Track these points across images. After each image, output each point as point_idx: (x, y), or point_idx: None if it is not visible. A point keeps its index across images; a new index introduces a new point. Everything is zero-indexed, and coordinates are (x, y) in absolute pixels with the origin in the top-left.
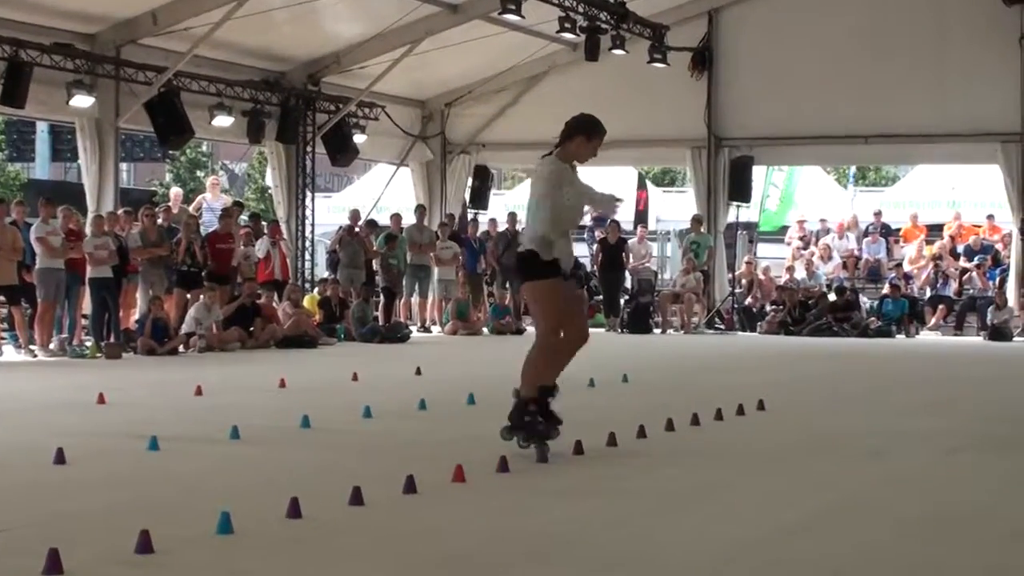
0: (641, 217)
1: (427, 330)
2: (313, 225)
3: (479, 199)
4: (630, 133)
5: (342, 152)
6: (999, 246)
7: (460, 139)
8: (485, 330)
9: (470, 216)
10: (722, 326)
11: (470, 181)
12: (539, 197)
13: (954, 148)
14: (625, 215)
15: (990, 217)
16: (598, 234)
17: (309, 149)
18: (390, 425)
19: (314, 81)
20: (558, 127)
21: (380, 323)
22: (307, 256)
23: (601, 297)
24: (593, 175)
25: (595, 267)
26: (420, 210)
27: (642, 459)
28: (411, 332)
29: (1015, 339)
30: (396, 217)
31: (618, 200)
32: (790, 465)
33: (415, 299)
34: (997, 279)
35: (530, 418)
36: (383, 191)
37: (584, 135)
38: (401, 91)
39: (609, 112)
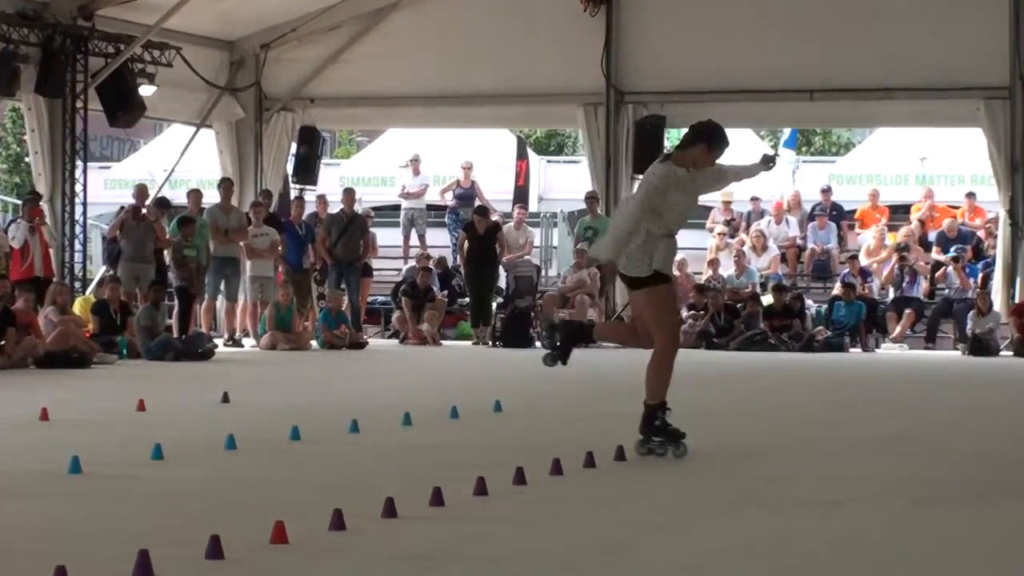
0: (520, 195)
1: (237, 343)
2: (85, 205)
3: (305, 171)
4: (505, 86)
5: (124, 109)
6: (981, 234)
7: (281, 92)
8: (314, 343)
9: (293, 193)
10: None
11: (294, 147)
12: (639, 201)
13: (924, 106)
14: (499, 192)
15: (970, 196)
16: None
17: (80, 104)
18: (188, 469)
19: (86, 14)
20: (409, 77)
21: (174, 334)
22: (77, 246)
23: (467, 300)
24: (455, 140)
25: (459, 261)
26: (226, 185)
27: (520, 513)
28: (215, 346)
29: (1001, 353)
30: (195, 194)
31: (774, 157)
32: (713, 522)
33: (220, 302)
34: (979, 276)
35: (660, 423)
36: (178, 160)
37: (706, 144)
38: (203, 28)
39: (476, 59)
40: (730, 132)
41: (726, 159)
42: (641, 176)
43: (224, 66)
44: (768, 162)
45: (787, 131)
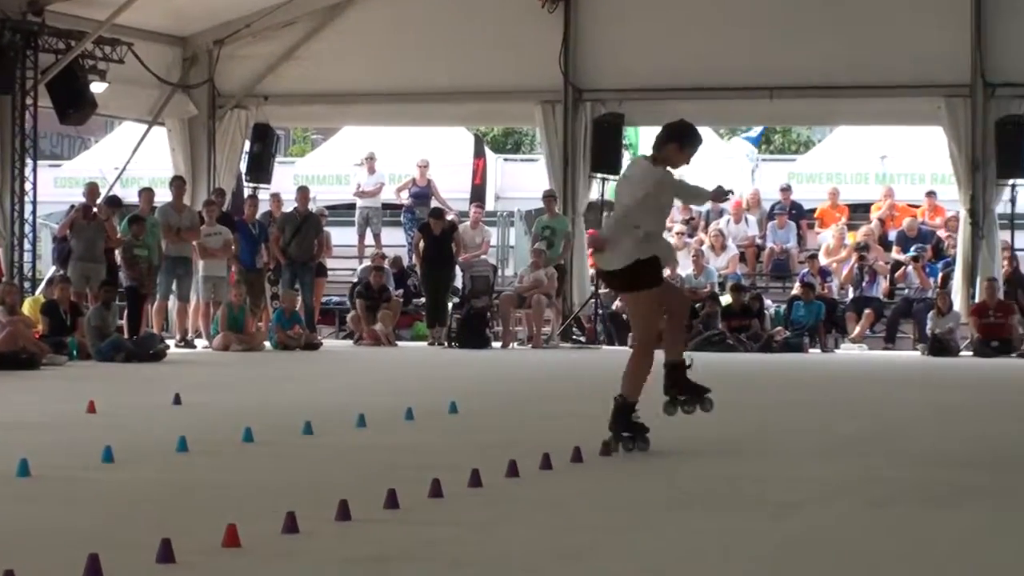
0: (477, 193)
1: (189, 344)
2: (35, 204)
3: (259, 169)
4: (462, 83)
5: (75, 106)
6: (942, 233)
7: (234, 89)
8: (267, 344)
9: (247, 192)
10: (582, 338)
11: (247, 145)
12: (629, 201)
13: (884, 104)
14: (455, 190)
15: (930, 195)
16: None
17: (29, 101)
18: (139, 472)
19: (36, 9)
20: (364, 75)
21: (126, 335)
22: (27, 245)
23: (423, 301)
24: (411, 138)
25: (415, 261)
26: (178, 184)
27: (476, 515)
28: (167, 347)
29: (961, 353)
30: (146, 193)
31: (727, 192)
32: (671, 523)
33: (172, 303)
34: (939, 276)
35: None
36: (130, 158)
37: (677, 143)
38: (155, 24)
39: (432, 56)
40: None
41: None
42: (614, 175)
43: (177, 63)
44: (722, 195)
45: (756, 130)
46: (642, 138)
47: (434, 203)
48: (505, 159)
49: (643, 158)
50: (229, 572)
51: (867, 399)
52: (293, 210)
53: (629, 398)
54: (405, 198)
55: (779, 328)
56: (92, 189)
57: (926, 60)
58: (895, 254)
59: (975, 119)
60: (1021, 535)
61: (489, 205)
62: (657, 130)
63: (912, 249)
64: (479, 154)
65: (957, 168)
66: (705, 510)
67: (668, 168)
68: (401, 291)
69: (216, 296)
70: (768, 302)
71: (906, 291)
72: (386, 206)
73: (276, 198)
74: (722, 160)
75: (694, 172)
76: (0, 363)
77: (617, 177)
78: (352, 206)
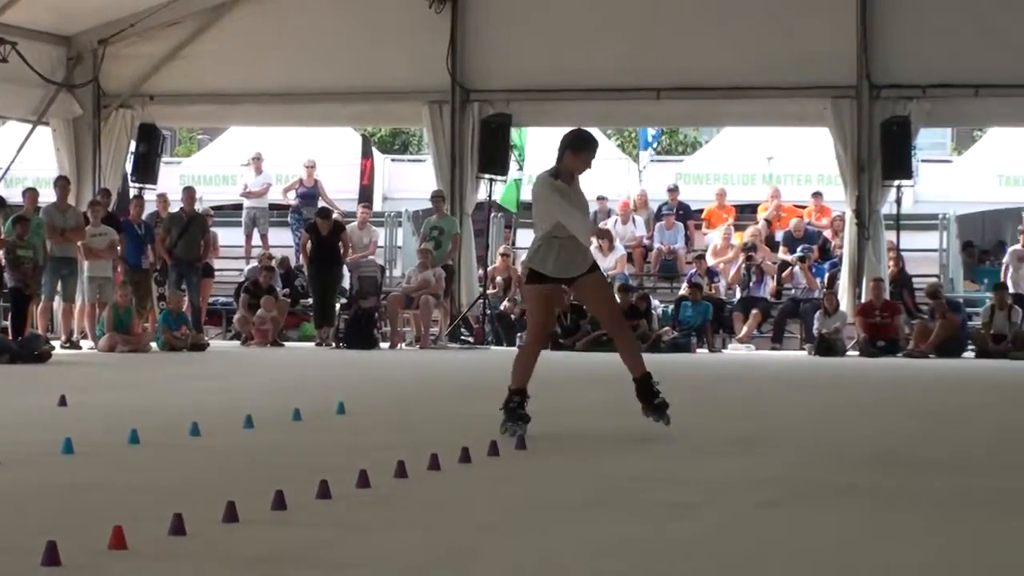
0: (365, 194)
1: (75, 345)
2: None
3: (145, 169)
4: (349, 83)
5: None
6: (828, 233)
7: (119, 89)
8: (154, 345)
9: (133, 192)
10: (471, 338)
11: (133, 145)
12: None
13: (770, 105)
14: (343, 191)
15: (816, 195)
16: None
17: None
18: (23, 474)
19: None
20: (251, 74)
21: (10, 336)
22: None
23: (311, 301)
24: (298, 138)
25: (302, 261)
26: (62, 183)
27: (364, 516)
28: (52, 348)
29: (847, 353)
30: (31, 193)
31: (596, 234)
32: (560, 522)
33: (57, 303)
34: (826, 276)
35: (513, 405)
36: (14, 158)
37: (570, 150)
38: (38, 23)
39: (319, 56)
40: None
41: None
42: (501, 176)
43: (61, 62)
44: (587, 234)
45: (651, 131)
46: (529, 139)
47: (321, 203)
48: (392, 159)
49: (545, 173)
50: (116, 574)
51: (754, 399)
52: (179, 210)
53: (511, 385)
54: (292, 198)
55: (667, 328)
56: None
57: (812, 62)
58: (782, 254)
59: (860, 120)
60: (906, 534)
61: (377, 206)
62: (544, 131)
63: (799, 249)
64: (367, 154)
65: (843, 169)
66: (596, 511)
67: (574, 175)
68: (287, 290)
69: (102, 297)
70: (656, 302)
71: (793, 291)
72: (273, 206)
73: (163, 198)
74: (606, 161)
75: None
76: None
77: (504, 178)
78: (239, 206)
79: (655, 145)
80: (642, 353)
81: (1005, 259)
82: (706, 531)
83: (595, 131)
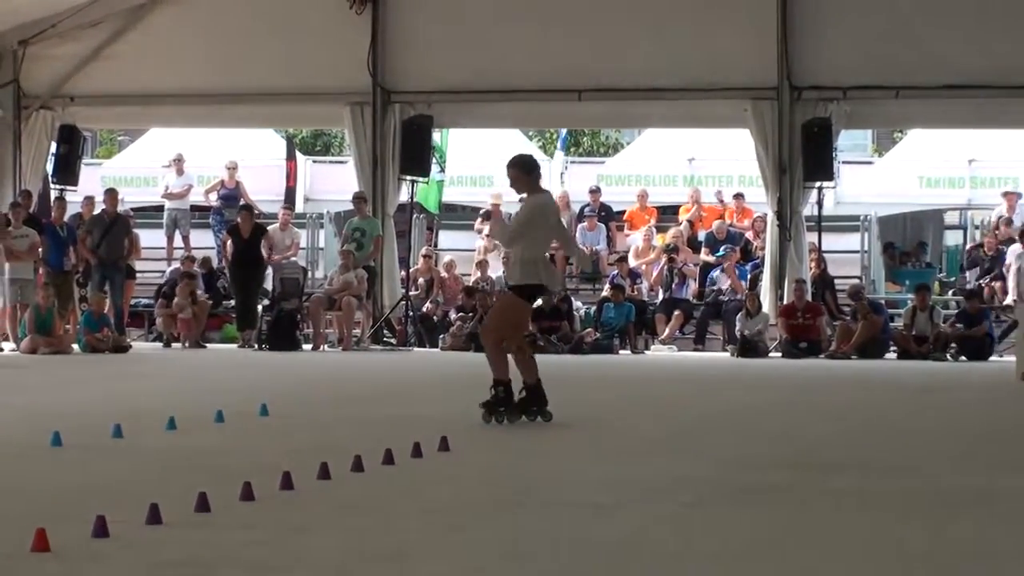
0: (288, 196)
1: None
2: None
3: (66, 171)
4: (271, 84)
5: None
6: (750, 235)
7: (40, 90)
8: (76, 347)
9: (54, 193)
10: (393, 340)
11: (54, 146)
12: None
13: (692, 107)
14: (265, 192)
15: (738, 197)
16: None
17: None
18: None
19: None
20: (171, 76)
21: None
22: None
23: (233, 303)
24: (220, 140)
25: (224, 262)
26: None
27: (288, 518)
28: None
29: (770, 354)
30: None
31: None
32: (484, 524)
33: None
34: (748, 278)
35: (491, 397)
36: None
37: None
38: None
39: (240, 57)
40: (498, 133)
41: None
42: (423, 177)
43: None
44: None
45: (563, 132)
46: (450, 141)
47: (242, 204)
48: (314, 161)
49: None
50: None
51: (677, 400)
52: (102, 212)
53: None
54: (214, 200)
55: (589, 329)
56: None
57: (733, 63)
58: (704, 255)
59: (781, 122)
60: (823, 533)
61: (298, 207)
62: (465, 133)
63: (721, 250)
64: (291, 156)
65: (764, 169)
66: (519, 512)
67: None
68: (208, 294)
69: (23, 298)
70: (578, 304)
71: (716, 293)
72: (194, 208)
73: (89, 201)
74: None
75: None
76: None
77: (425, 179)
78: (160, 208)
79: (565, 147)
80: (558, 355)
81: (1008, 259)
82: (630, 532)
83: (515, 132)
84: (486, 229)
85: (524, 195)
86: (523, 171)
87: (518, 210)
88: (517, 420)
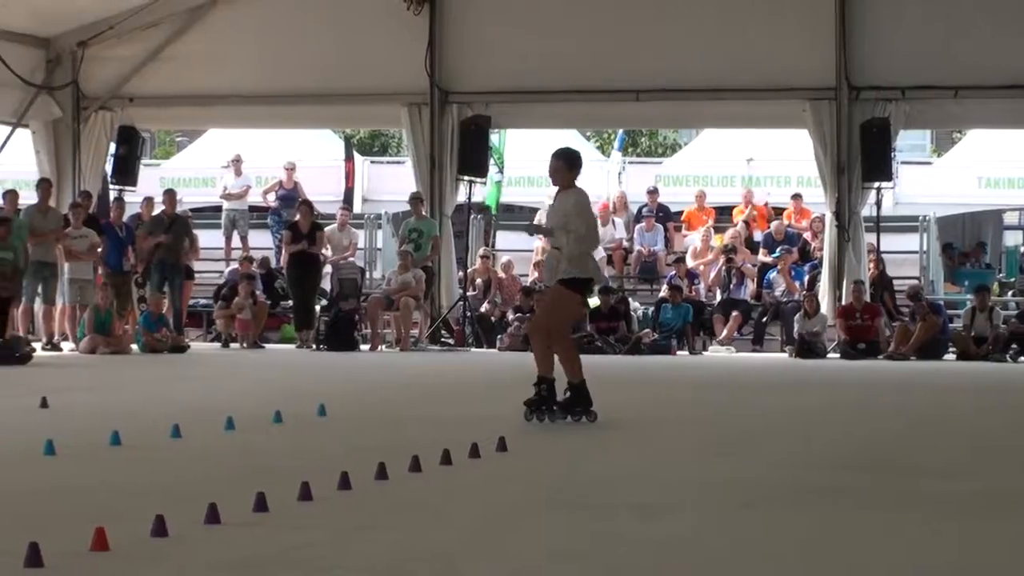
0: (346, 196)
1: (56, 347)
2: None
3: (125, 171)
4: (329, 85)
5: None
6: (808, 235)
7: (99, 91)
8: (134, 347)
9: (113, 194)
10: (451, 340)
11: (113, 147)
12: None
13: (750, 107)
14: (323, 193)
15: (796, 197)
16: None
17: None
18: (6, 476)
19: None
20: (230, 76)
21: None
22: None
23: (291, 303)
24: (279, 140)
25: (281, 263)
26: (44, 186)
27: (345, 518)
28: (33, 350)
29: (828, 356)
30: (11, 195)
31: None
32: (539, 524)
33: (38, 305)
34: (806, 278)
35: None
36: None
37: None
38: (17, 24)
39: (298, 57)
40: (556, 133)
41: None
42: (480, 178)
43: (40, 64)
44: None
45: (620, 132)
46: (508, 141)
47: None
48: (372, 162)
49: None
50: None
51: (733, 401)
52: (161, 212)
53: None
54: (272, 200)
55: (647, 330)
56: None
57: (791, 63)
58: (763, 256)
59: (840, 122)
60: (881, 535)
61: (356, 207)
62: (523, 133)
63: (778, 250)
64: (349, 157)
65: (823, 170)
66: (576, 512)
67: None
68: (266, 294)
69: (83, 299)
70: (636, 305)
71: (774, 293)
72: (253, 208)
73: (148, 201)
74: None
75: None
76: None
77: (483, 180)
78: (218, 208)
79: (623, 147)
80: (616, 356)
81: None
82: (684, 532)
83: (573, 133)
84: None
85: (559, 188)
86: (568, 165)
87: (569, 205)
88: (560, 419)
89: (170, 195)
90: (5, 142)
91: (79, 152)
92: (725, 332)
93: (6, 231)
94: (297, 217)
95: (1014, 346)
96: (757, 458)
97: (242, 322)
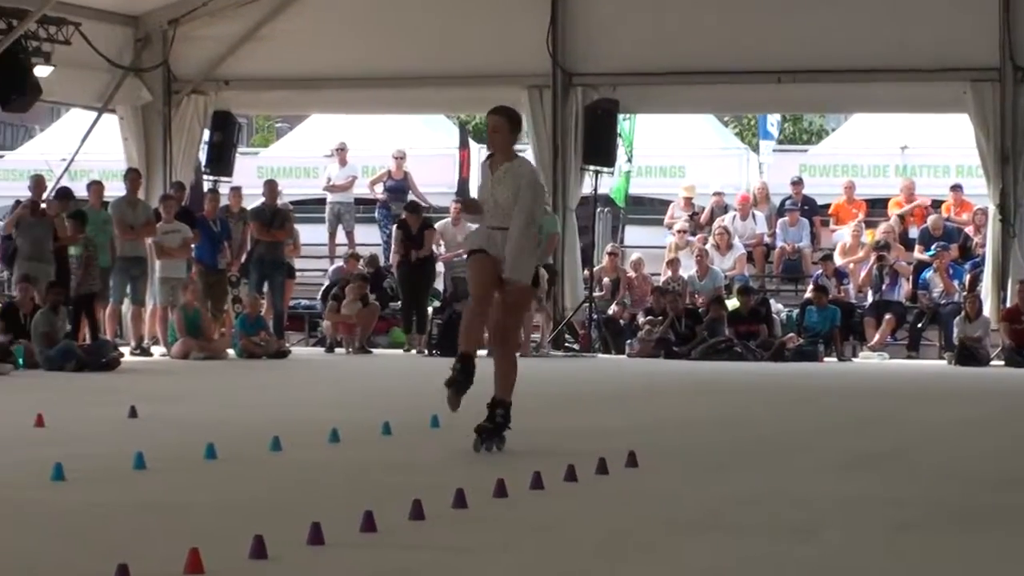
0: (461, 188)
1: (145, 351)
2: None
3: (220, 160)
4: (441, 66)
5: (17, 91)
6: (969, 230)
7: (191, 73)
8: (231, 351)
9: (207, 185)
10: (576, 345)
11: (206, 134)
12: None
13: (904, 90)
14: (435, 184)
15: (956, 188)
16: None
17: None
18: (92, 492)
19: None
20: (334, 57)
21: (76, 341)
22: None
23: (400, 304)
24: (387, 127)
25: (391, 261)
26: (133, 176)
27: (461, 539)
28: (122, 355)
29: (991, 362)
30: (96, 187)
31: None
32: (673, 545)
33: (126, 306)
34: (967, 278)
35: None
36: (78, 148)
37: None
38: (104, 2)
39: (407, 37)
40: (690, 119)
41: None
42: (607, 168)
43: (128, 44)
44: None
45: (773, 122)
46: (638, 127)
47: (411, 197)
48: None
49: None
50: None
51: (888, 412)
52: (262, 204)
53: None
54: (379, 192)
55: (791, 335)
56: (39, 182)
57: (950, 41)
58: (918, 254)
59: (1004, 106)
60: None
61: None
62: (653, 118)
63: (935, 247)
64: (464, 145)
65: (985, 158)
66: (711, 533)
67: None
68: (374, 294)
69: (175, 299)
70: (779, 306)
71: (931, 294)
72: (358, 201)
73: (236, 192)
74: (723, 152)
75: (695, 165)
76: None
77: (610, 170)
78: (321, 201)
79: (779, 136)
80: (757, 362)
81: None
82: (832, 555)
83: (710, 119)
84: (678, 223)
85: (497, 156)
86: (512, 125)
87: (521, 178)
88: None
89: (271, 186)
90: (91, 129)
91: (170, 139)
92: (877, 337)
93: (80, 226)
94: (406, 214)
95: None
96: (912, 475)
97: (348, 325)
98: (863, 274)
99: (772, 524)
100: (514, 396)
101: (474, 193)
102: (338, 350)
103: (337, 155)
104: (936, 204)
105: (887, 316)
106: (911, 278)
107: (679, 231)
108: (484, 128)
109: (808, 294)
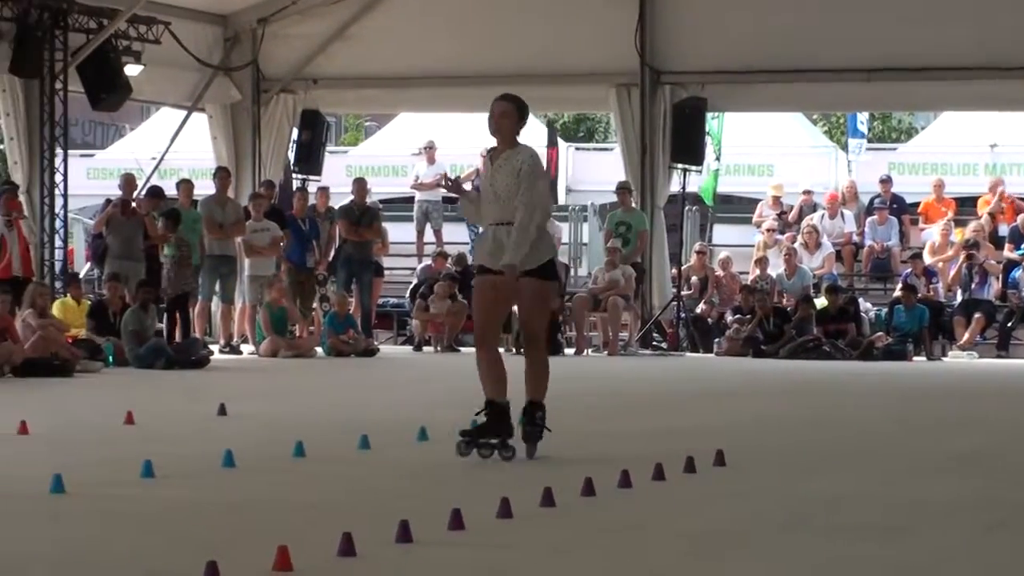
0: (551, 186)
1: (234, 350)
2: (66, 197)
3: (309, 159)
4: (529, 65)
5: (108, 90)
6: None
7: (280, 72)
8: (319, 350)
9: (295, 184)
10: (664, 344)
11: (295, 133)
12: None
13: (995, 87)
14: None
15: None
16: None
17: (59, 85)
18: (181, 489)
19: None
20: (422, 56)
21: (166, 339)
22: (58, 242)
23: None
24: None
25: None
26: (223, 175)
27: (549, 538)
28: (211, 353)
29: None
30: (186, 185)
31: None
32: (762, 546)
33: (216, 305)
34: None
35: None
36: (168, 147)
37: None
38: (193, 1)
39: (495, 35)
40: (778, 117)
41: None
42: (696, 166)
43: (218, 43)
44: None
45: (863, 120)
46: (727, 125)
47: None
48: (577, 148)
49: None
50: None
51: (979, 412)
52: (351, 203)
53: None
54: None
55: (880, 333)
56: (129, 181)
57: None
58: (1008, 252)
59: None
60: None
61: (560, 198)
62: (741, 116)
63: (1022, 247)
64: (552, 144)
65: None
66: (800, 534)
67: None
68: (462, 293)
69: (263, 298)
70: (867, 305)
71: (1022, 292)
72: (447, 200)
73: (324, 192)
74: (811, 150)
75: (783, 163)
76: (31, 370)
77: (698, 168)
78: (410, 199)
79: (868, 134)
80: (854, 359)
81: None
82: (924, 558)
83: (799, 117)
84: (766, 221)
85: (500, 144)
86: (519, 113)
87: (522, 166)
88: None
89: (360, 184)
90: (180, 128)
91: (259, 138)
92: (967, 336)
93: (173, 225)
94: None
95: None
96: (1005, 476)
97: (436, 324)
98: (952, 273)
99: (861, 525)
100: (598, 396)
101: (573, 197)
102: (426, 348)
103: (425, 153)
104: None
105: (976, 315)
106: (1001, 277)
107: (767, 229)
108: (571, 126)
109: (897, 293)
